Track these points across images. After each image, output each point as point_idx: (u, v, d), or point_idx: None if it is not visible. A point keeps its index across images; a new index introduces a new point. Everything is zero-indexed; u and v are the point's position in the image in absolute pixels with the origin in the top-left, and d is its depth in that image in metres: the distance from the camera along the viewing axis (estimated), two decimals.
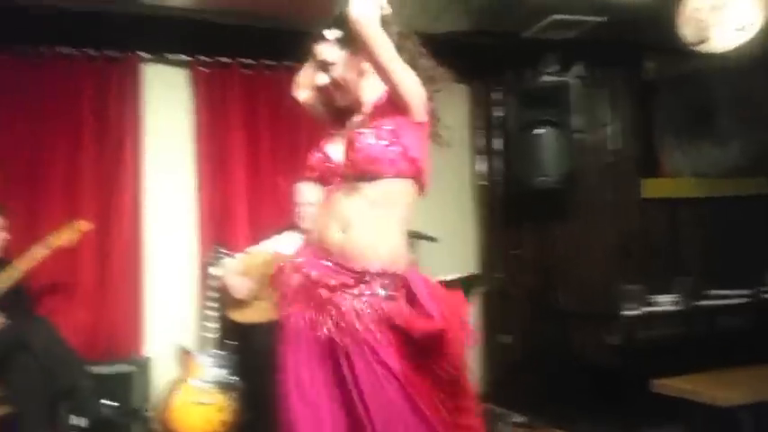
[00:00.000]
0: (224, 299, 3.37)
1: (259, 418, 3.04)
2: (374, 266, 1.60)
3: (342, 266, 1.61)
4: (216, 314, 3.42)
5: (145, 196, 3.80)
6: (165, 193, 3.87)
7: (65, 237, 3.24)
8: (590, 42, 4.23)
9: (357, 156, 1.64)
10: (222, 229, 3.87)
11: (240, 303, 3.29)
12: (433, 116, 1.79)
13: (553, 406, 3.64)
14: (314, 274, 1.63)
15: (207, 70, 3.96)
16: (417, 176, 1.69)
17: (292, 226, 3.48)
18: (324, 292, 1.60)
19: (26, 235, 3.47)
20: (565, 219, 4.41)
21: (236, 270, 3.33)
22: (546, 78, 4.16)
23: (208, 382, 3.29)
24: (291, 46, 3.91)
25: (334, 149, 1.74)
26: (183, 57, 3.94)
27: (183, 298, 3.81)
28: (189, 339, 3.64)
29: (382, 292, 1.59)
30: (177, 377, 3.36)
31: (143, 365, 3.44)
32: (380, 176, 1.64)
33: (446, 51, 4.36)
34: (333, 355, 1.58)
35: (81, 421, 2.99)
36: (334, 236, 1.63)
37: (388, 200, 1.65)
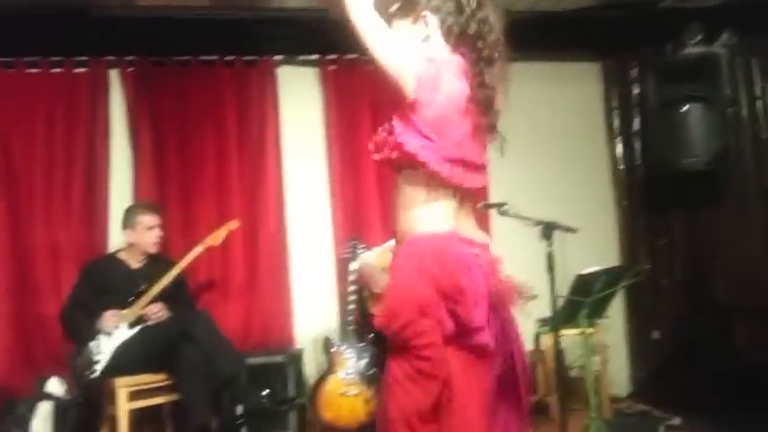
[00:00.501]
0: (362, 293, 3.44)
1: None
2: None
3: None
4: (355, 307, 3.50)
5: (285, 194, 3.97)
6: (302, 191, 4.03)
7: (219, 236, 3.45)
8: (737, 7, 3.83)
9: (371, 150, 1.60)
10: (356, 223, 3.96)
11: (378, 297, 3.35)
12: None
13: (710, 408, 3.36)
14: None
15: (334, 68, 4.05)
16: (409, 162, 1.51)
17: None
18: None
19: (182, 233, 3.77)
20: (718, 203, 4.04)
21: (374, 264, 3.39)
22: (690, 50, 3.83)
23: (352, 374, 3.39)
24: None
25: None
26: (313, 56, 4.06)
27: (326, 292, 3.95)
28: (334, 332, 3.76)
29: None
30: (325, 369, 3.50)
31: (295, 357, 3.60)
32: (391, 168, 1.58)
33: (575, 28, 4.20)
34: None
35: (238, 409, 3.20)
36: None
37: (400, 190, 1.57)
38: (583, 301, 2.87)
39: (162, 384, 3.07)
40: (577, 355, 3.26)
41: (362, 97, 4.04)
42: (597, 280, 2.86)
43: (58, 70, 3.81)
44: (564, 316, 2.87)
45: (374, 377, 3.31)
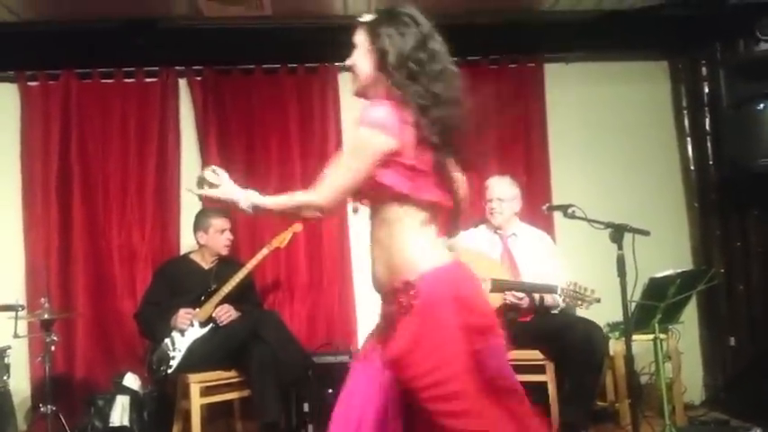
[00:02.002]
0: None
1: None
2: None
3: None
4: None
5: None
6: None
7: (284, 238, 3.53)
8: None
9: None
10: None
11: None
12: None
13: None
14: None
15: None
16: (393, 195, 1.57)
17: (482, 221, 3.48)
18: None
19: (249, 235, 3.88)
20: None
21: None
22: (763, 46, 3.68)
23: None
24: (472, 42, 4.00)
25: None
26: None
27: None
28: None
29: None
30: None
31: None
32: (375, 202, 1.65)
33: (641, 26, 4.10)
34: None
35: (305, 407, 3.26)
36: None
37: (382, 224, 1.63)
38: (656, 305, 2.80)
39: (233, 381, 3.16)
40: (648, 361, 3.17)
41: None
42: (671, 284, 2.78)
43: (130, 80, 3.99)
44: (636, 321, 2.80)
45: None
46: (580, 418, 3.01)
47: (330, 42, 3.96)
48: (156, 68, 3.99)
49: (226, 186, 1.69)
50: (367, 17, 1.64)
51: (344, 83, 4.09)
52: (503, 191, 3.43)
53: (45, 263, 3.77)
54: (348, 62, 1.66)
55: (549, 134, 4.09)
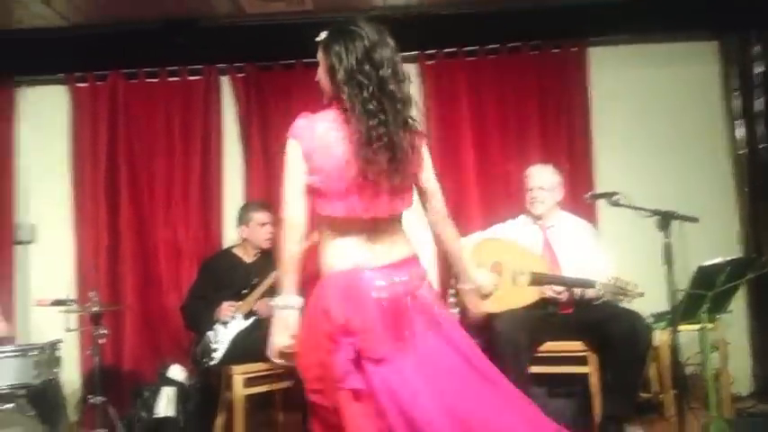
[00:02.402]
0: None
1: None
2: None
3: None
4: (455, 300, 3.47)
5: None
6: None
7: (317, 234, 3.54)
8: None
9: None
10: (455, 216, 3.92)
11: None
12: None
13: None
14: None
15: (433, 62, 4.05)
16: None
17: (522, 211, 3.42)
18: None
19: None
20: None
21: (469, 260, 3.33)
22: None
23: None
24: (512, 27, 3.94)
25: None
26: (412, 52, 4.07)
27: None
28: None
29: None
30: None
31: None
32: None
33: (689, 6, 3.94)
34: None
35: None
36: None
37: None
38: (704, 295, 2.69)
39: (275, 372, 3.20)
40: (694, 352, 3.06)
41: (461, 89, 4.02)
42: (720, 272, 2.65)
43: (174, 79, 4.09)
44: (683, 311, 2.70)
45: None
46: (624, 409, 2.94)
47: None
48: (199, 66, 4.07)
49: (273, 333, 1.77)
50: (322, 36, 1.82)
51: None
52: (544, 180, 3.35)
53: (94, 259, 3.92)
54: (317, 78, 1.86)
55: (592, 120, 3.98)
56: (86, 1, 3.68)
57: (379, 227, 1.82)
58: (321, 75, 1.84)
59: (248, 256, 3.56)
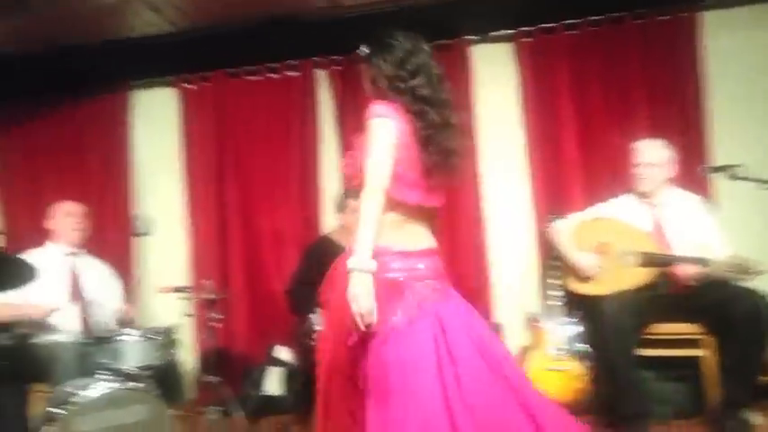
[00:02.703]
0: (564, 268, 3.29)
1: (612, 390, 2.90)
2: None
3: None
4: (558, 282, 3.36)
5: (482, 171, 3.96)
6: (499, 167, 3.98)
7: None
8: None
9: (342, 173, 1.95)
10: (558, 197, 3.81)
11: (572, 270, 3.17)
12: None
13: None
14: None
15: (531, 40, 3.93)
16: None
17: (630, 189, 3.24)
18: None
19: None
20: None
21: (571, 241, 3.20)
22: None
23: (559, 349, 3.26)
24: None
25: None
26: (507, 31, 3.97)
27: (525, 266, 3.87)
28: (535, 306, 3.69)
29: None
30: (528, 343, 3.43)
31: (496, 330, 3.57)
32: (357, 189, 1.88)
33: None
34: None
35: None
36: None
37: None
38: None
39: None
40: None
41: (561, 66, 3.86)
42: None
43: (274, 75, 4.22)
44: None
45: (584, 353, 3.17)
46: (742, 394, 2.74)
47: (464, 16, 3.94)
48: (296, 62, 4.18)
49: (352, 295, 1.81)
50: (363, 50, 2.02)
51: (479, 57, 4.01)
52: (652, 155, 3.16)
53: (206, 248, 4.15)
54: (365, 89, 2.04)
55: (705, 89, 3.69)
56: (192, 6, 3.87)
57: (424, 216, 1.99)
58: (367, 86, 2.03)
59: (346, 242, 3.60)
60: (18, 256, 2.91)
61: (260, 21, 4.03)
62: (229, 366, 3.77)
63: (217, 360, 3.31)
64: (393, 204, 1.89)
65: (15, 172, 4.44)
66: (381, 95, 1.93)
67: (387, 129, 1.85)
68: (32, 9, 3.66)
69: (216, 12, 3.96)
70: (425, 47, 1.98)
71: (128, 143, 4.36)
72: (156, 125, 4.38)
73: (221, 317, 3.41)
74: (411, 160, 1.88)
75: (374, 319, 1.79)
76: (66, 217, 3.45)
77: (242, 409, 3.43)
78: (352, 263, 1.80)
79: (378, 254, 1.83)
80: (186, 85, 4.32)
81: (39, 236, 4.00)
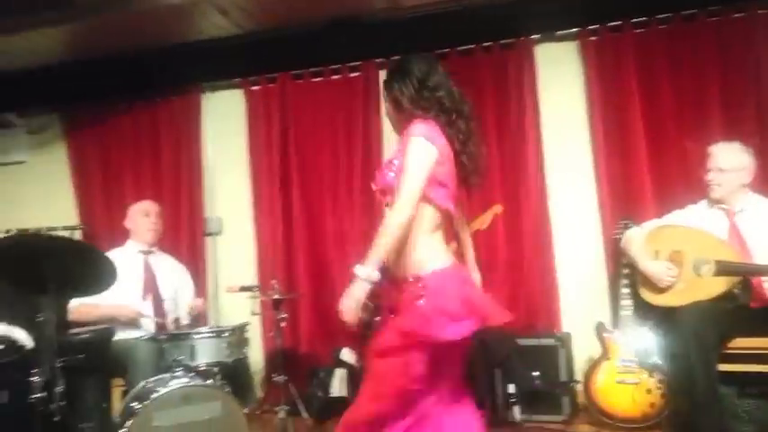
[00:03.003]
0: (637, 277, 3.21)
1: (689, 407, 2.81)
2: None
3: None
4: (630, 291, 3.29)
5: (547, 175, 3.90)
6: (565, 170, 3.92)
7: (484, 220, 3.54)
8: None
9: (378, 187, 2.04)
10: (626, 202, 3.73)
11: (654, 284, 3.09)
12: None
13: None
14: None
15: (596, 38, 3.85)
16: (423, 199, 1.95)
17: (704, 195, 3.13)
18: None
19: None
20: None
21: (644, 250, 3.12)
22: None
23: (630, 361, 3.20)
24: None
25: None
26: (572, 30, 3.90)
27: (594, 274, 3.80)
28: (605, 316, 3.62)
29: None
30: (599, 354, 3.36)
31: (565, 340, 3.53)
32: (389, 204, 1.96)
33: None
34: None
35: (510, 388, 3.26)
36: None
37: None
38: None
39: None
40: None
41: (628, 66, 3.76)
42: None
43: (336, 77, 4.27)
44: None
45: (657, 366, 3.09)
46: None
47: (527, 14, 3.89)
48: (358, 63, 4.21)
49: (349, 297, 1.89)
50: (383, 77, 2.14)
51: (543, 55, 3.96)
52: (726, 160, 3.03)
53: (272, 248, 4.24)
54: (384, 114, 2.22)
55: None
56: (257, 8, 3.95)
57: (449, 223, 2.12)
58: (389, 109, 2.14)
59: None
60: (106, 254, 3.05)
61: (323, 23, 4.08)
62: (295, 366, 3.84)
63: (283, 359, 3.38)
64: (437, 215, 2.00)
65: (92, 171, 4.65)
66: (405, 118, 2.04)
67: (425, 148, 1.93)
68: (108, 11, 3.81)
69: (280, 14, 4.03)
70: (440, 66, 2.09)
71: (200, 144, 4.49)
72: (224, 126, 4.50)
73: (287, 316, 3.48)
74: (451, 172, 2.01)
75: (354, 321, 1.89)
76: (143, 216, 3.59)
77: (307, 410, 3.50)
78: (360, 270, 1.88)
79: (449, 276, 1.95)
80: (252, 87, 4.41)
81: (113, 233, 4.20)
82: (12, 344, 2.88)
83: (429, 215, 1.97)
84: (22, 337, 2.93)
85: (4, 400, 2.75)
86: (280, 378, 3.29)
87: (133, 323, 3.27)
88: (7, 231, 4.45)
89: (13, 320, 2.99)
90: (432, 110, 2.00)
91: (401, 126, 2.08)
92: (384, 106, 2.14)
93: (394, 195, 1.92)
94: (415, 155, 1.92)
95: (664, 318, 3.02)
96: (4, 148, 4.85)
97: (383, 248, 1.87)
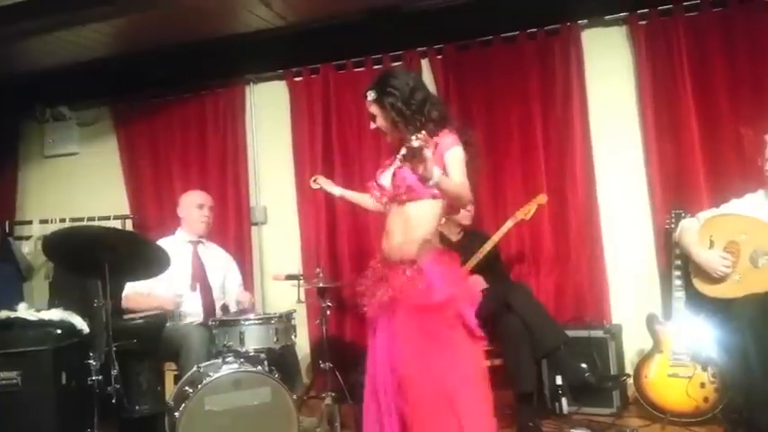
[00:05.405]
0: (691, 268, 3.13)
1: (744, 399, 2.75)
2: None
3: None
4: (682, 282, 3.20)
5: (595, 163, 3.83)
6: (613, 159, 3.84)
7: (529, 210, 3.51)
8: None
9: (398, 185, 2.27)
10: (678, 191, 3.64)
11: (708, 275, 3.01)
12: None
13: None
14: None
15: (646, 22, 3.75)
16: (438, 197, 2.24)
17: (761, 183, 3.03)
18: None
19: (492, 208, 3.94)
20: None
21: (698, 239, 3.03)
22: None
23: (682, 354, 3.13)
24: None
25: (385, 177, 2.41)
26: (621, 14, 3.81)
27: (644, 265, 3.73)
28: (656, 307, 3.54)
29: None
30: (650, 346, 3.29)
31: (615, 332, 3.46)
32: (414, 200, 2.25)
33: None
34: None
35: (558, 380, 3.23)
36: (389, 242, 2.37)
37: (418, 215, 2.26)
38: None
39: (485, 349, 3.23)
40: None
41: (680, 51, 3.66)
42: None
43: (378, 67, 4.25)
44: None
45: (710, 360, 3.02)
46: None
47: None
48: (399, 53, 4.20)
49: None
50: (371, 95, 2.31)
51: (589, 40, 3.88)
52: None
53: (316, 237, 4.28)
54: (373, 126, 2.38)
55: None
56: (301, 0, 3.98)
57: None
58: (381, 122, 2.34)
59: (453, 235, 3.64)
60: (156, 243, 3.13)
61: (364, 12, 4.08)
62: (341, 353, 3.87)
63: (329, 347, 3.41)
64: (441, 210, 2.31)
65: (141, 162, 4.76)
66: (399, 128, 2.27)
67: (463, 155, 2.23)
68: (155, 7, 3.88)
69: (322, 5, 4.05)
70: (422, 80, 2.43)
71: (245, 136, 4.55)
72: (269, 118, 4.54)
73: (332, 305, 3.51)
74: None
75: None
76: (197, 208, 3.67)
77: (352, 398, 3.53)
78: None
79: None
80: (295, 78, 4.44)
81: (162, 222, 4.29)
82: (70, 328, 2.98)
83: (438, 209, 2.28)
84: (79, 322, 3.04)
85: (63, 382, 2.86)
86: (326, 365, 3.32)
87: (176, 310, 3.38)
88: (61, 221, 4.60)
89: (69, 306, 3.11)
90: (430, 121, 2.24)
91: (394, 138, 2.34)
92: (377, 123, 2.36)
93: (413, 194, 2.22)
94: (462, 161, 2.22)
95: (718, 309, 2.95)
96: (58, 140, 5.01)
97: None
